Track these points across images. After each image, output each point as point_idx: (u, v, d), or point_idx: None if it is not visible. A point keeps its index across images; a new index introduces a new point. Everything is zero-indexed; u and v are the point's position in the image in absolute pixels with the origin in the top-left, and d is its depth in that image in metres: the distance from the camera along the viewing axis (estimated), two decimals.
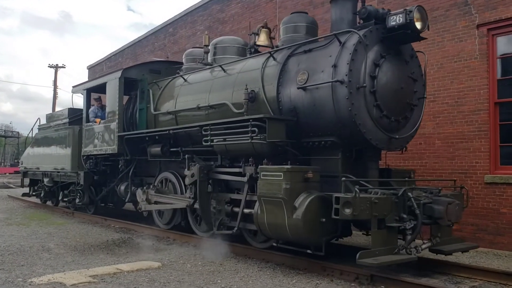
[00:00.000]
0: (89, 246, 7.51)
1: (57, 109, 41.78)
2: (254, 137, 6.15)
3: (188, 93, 8.37)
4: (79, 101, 11.98)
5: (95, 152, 10.25)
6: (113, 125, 9.60)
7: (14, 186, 24.33)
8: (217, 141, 6.80)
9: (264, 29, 7.89)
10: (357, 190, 5.13)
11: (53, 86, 41.01)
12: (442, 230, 5.92)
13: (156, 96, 9.22)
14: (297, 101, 6.32)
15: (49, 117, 13.68)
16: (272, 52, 7.01)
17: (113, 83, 9.78)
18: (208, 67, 8.39)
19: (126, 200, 9.87)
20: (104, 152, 9.91)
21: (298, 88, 6.26)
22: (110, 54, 25.11)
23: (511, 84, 7.95)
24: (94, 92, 11.21)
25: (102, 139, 9.93)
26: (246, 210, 6.64)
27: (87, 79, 27.96)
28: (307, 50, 6.55)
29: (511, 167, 7.77)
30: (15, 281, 5.18)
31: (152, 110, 9.08)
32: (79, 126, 11.26)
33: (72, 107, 12.36)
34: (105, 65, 25.34)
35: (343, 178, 5.41)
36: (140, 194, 8.42)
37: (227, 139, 6.65)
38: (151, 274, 5.61)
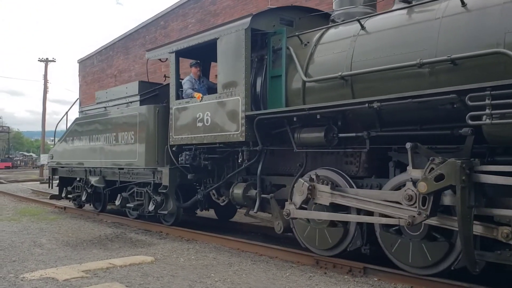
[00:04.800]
0: (82, 241, 7.44)
1: (48, 104, 41.32)
2: None
3: (379, 46, 5.47)
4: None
5: (196, 141, 7.36)
6: (234, 102, 6.71)
7: (5, 182, 24.26)
8: (497, 118, 4.08)
9: None
10: None
11: (43, 80, 40.58)
12: None
13: (303, 57, 6.29)
14: None
15: (103, 96, 10.15)
16: None
17: (232, 38, 6.77)
18: (404, 6, 5.65)
19: (255, 210, 6.87)
20: (215, 141, 7.04)
21: None
22: (101, 47, 24.95)
23: None
24: (186, 56, 8.37)
25: (211, 122, 7.08)
26: None
27: (78, 73, 28.04)
28: None
29: None
30: (7, 277, 5.13)
31: (302, 76, 6.13)
32: (158, 106, 8.30)
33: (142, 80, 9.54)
34: (96, 59, 25.19)
35: None
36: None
37: None
38: (144, 269, 5.57)
